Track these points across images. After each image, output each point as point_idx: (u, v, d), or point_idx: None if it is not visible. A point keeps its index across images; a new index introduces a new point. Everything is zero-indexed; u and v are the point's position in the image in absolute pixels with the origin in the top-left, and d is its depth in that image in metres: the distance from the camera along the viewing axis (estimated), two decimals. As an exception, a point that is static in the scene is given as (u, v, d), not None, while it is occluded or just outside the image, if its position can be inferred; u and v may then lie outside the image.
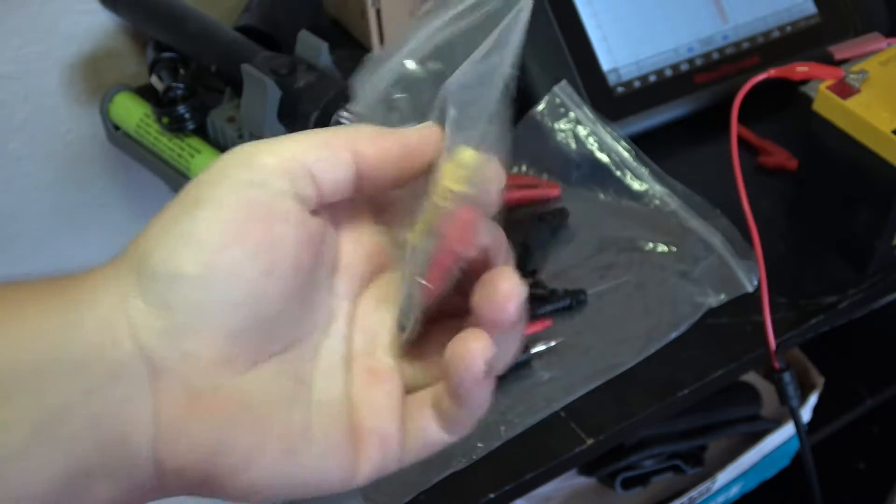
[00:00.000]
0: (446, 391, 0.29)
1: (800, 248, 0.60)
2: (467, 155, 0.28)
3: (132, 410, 0.26)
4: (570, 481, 0.77)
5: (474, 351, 0.27)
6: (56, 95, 0.74)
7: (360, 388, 0.30)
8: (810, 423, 0.81)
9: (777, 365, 0.55)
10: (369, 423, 0.29)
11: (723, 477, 0.77)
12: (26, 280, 0.29)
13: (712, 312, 0.56)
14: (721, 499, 0.81)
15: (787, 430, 0.78)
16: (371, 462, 0.29)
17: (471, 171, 0.28)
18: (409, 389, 0.31)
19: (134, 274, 0.26)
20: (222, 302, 0.26)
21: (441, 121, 0.29)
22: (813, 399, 0.78)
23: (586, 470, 0.77)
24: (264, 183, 0.27)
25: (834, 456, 0.84)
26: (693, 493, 0.76)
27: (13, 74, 0.71)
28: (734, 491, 0.81)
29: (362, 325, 0.31)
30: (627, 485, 0.76)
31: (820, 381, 0.79)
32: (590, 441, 0.50)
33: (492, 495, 0.48)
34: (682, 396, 0.53)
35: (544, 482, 0.50)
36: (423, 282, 0.29)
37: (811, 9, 0.71)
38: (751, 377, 0.80)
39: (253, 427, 0.27)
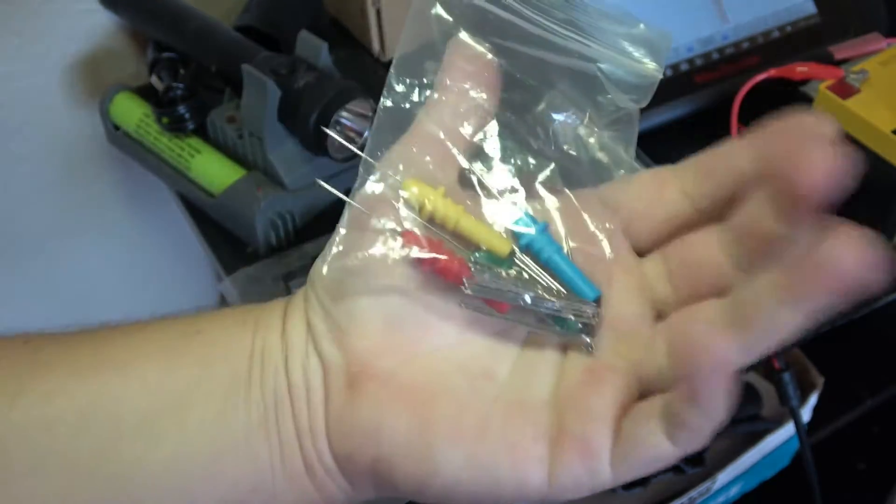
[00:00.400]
0: (677, 389, 0.25)
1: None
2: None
3: (316, 402, 0.29)
4: (570, 481, 0.77)
5: (720, 339, 0.24)
6: (56, 95, 0.74)
7: (572, 388, 0.28)
8: (810, 423, 0.81)
9: (777, 365, 0.55)
10: (572, 426, 0.27)
11: (723, 477, 0.77)
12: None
13: (712, 312, 0.56)
14: (721, 499, 0.81)
15: (787, 430, 0.78)
16: (570, 470, 0.26)
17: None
18: (652, 390, 0.27)
19: (320, 307, 0.30)
20: (376, 290, 0.29)
21: None
22: (813, 399, 0.78)
23: (586, 470, 0.77)
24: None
25: (834, 456, 0.84)
26: (693, 493, 0.76)
27: (13, 74, 0.71)
28: (734, 491, 0.81)
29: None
30: (627, 485, 0.76)
31: (820, 381, 0.78)
32: (590, 441, 0.50)
33: (492, 495, 0.48)
34: (682, 396, 0.53)
35: (544, 482, 0.50)
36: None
37: (811, 9, 0.71)
38: (751, 377, 0.80)
39: (414, 410, 0.28)
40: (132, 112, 0.66)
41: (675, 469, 0.77)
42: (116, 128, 0.68)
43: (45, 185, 0.78)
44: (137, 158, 0.67)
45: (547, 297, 0.29)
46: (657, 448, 0.25)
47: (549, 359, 0.29)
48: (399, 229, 0.29)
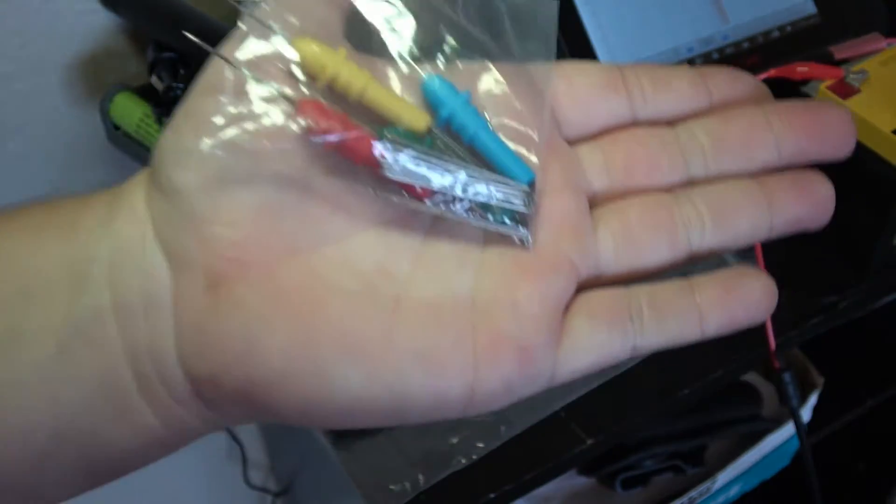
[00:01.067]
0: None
1: (800, 248, 0.60)
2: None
3: (158, 313, 0.23)
4: (570, 481, 0.77)
5: None
6: (56, 95, 0.74)
7: (501, 285, 0.24)
8: (810, 423, 0.81)
9: (777, 365, 0.55)
10: (507, 328, 0.24)
11: (723, 477, 0.77)
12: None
13: (712, 312, 0.56)
14: (721, 499, 0.81)
15: (787, 430, 0.78)
16: (502, 377, 0.24)
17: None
18: (605, 280, 0.27)
19: (150, 185, 0.24)
20: (267, 174, 0.23)
21: None
22: (813, 399, 0.78)
23: (586, 470, 0.77)
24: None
25: (834, 456, 0.84)
26: (693, 493, 0.76)
27: (13, 74, 0.71)
28: (734, 491, 0.81)
29: None
30: (627, 485, 0.76)
31: (820, 381, 0.79)
32: (590, 441, 0.50)
33: (492, 495, 0.48)
34: (682, 396, 0.53)
35: (544, 482, 0.50)
36: None
37: (811, 9, 0.71)
38: (751, 377, 0.80)
39: (296, 320, 0.23)
40: (132, 112, 0.66)
41: (675, 469, 0.77)
42: (116, 128, 0.68)
43: (45, 184, 0.78)
44: (137, 158, 0.67)
45: (477, 179, 0.24)
46: (608, 345, 0.26)
47: (463, 252, 0.25)
48: (294, 98, 0.23)
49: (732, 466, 0.76)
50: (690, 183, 0.28)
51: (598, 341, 0.26)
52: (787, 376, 0.55)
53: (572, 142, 0.28)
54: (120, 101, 0.67)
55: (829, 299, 0.57)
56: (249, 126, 0.23)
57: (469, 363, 0.23)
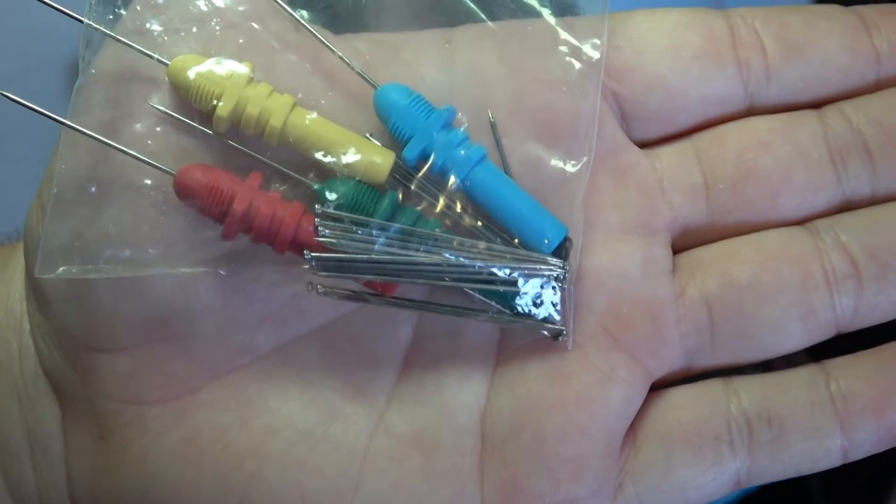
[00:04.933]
0: None
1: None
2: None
3: (46, 459, 0.17)
4: (570, 481, 0.77)
5: None
6: (56, 95, 0.74)
7: (520, 410, 0.17)
8: (810, 423, 0.80)
9: (777, 365, 0.55)
10: (525, 474, 0.18)
11: (723, 477, 0.77)
12: None
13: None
14: (721, 499, 0.80)
15: (787, 430, 0.77)
16: None
17: None
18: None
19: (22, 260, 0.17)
20: (142, 286, 0.16)
21: None
22: (813, 399, 0.78)
23: (586, 470, 0.77)
24: None
25: (834, 456, 0.83)
26: (693, 493, 0.76)
27: (13, 74, 0.70)
28: (734, 491, 0.81)
29: None
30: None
31: (820, 381, 0.78)
32: (590, 441, 0.50)
33: (492, 495, 0.48)
34: (682, 396, 0.53)
35: (544, 482, 0.50)
36: None
37: (811, 9, 0.70)
38: (751, 377, 0.79)
39: (209, 482, 0.16)
40: (132, 112, 0.65)
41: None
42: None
43: (45, 185, 0.78)
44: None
45: (472, 253, 0.14)
46: (695, 483, 0.17)
47: (466, 367, 0.17)
48: (170, 169, 0.15)
49: (732, 466, 0.76)
50: (845, 208, 0.17)
51: (681, 478, 0.17)
52: (787, 376, 0.55)
53: (650, 144, 0.17)
54: (120, 102, 0.66)
55: (829, 299, 0.57)
56: (119, 213, 0.17)
57: None
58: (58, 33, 0.71)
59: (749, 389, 0.17)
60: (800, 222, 0.17)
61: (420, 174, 0.15)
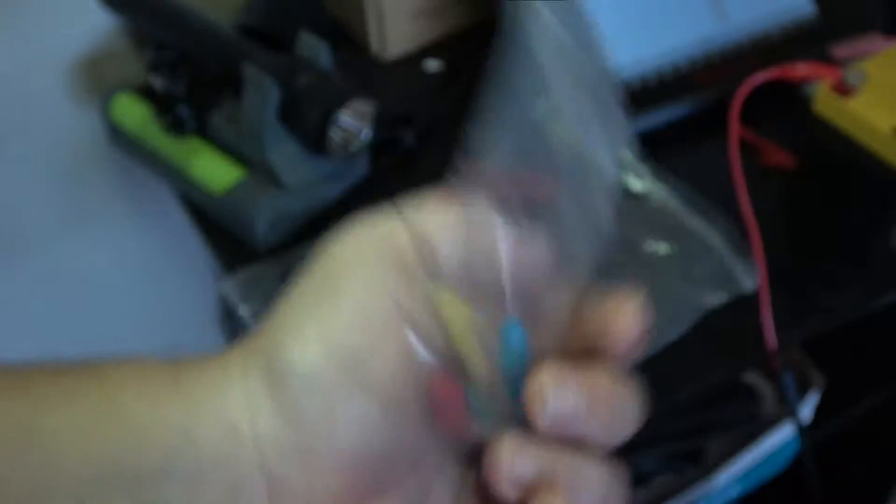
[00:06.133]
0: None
1: (800, 248, 0.60)
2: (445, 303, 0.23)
3: None
4: (570, 481, 0.77)
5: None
6: (56, 95, 0.74)
7: None
8: (810, 423, 0.81)
9: (777, 365, 0.55)
10: None
11: (723, 477, 0.77)
12: (119, 359, 0.24)
13: (712, 312, 0.56)
14: (721, 499, 0.81)
15: (787, 431, 0.78)
16: None
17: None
18: None
19: (263, 372, 0.23)
20: (360, 419, 0.22)
21: None
22: (813, 399, 0.78)
23: (586, 470, 0.77)
24: (408, 280, 0.23)
25: (834, 456, 0.84)
26: (693, 493, 0.76)
27: (13, 74, 0.71)
28: (734, 491, 0.81)
29: None
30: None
31: (820, 381, 0.78)
32: (590, 441, 0.50)
33: (492, 495, 0.48)
34: (682, 396, 0.53)
35: (544, 482, 0.50)
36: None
37: (811, 9, 0.71)
38: (751, 377, 0.80)
39: None
40: (132, 112, 0.66)
41: (675, 469, 0.77)
42: (116, 128, 0.68)
43: (45, 185, 0.78)
44: (137, 159, 0.67)
45: None
46: None
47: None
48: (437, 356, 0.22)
49: (732, 466, 0.76)
50: None
51: None
52: (787, 376, 0.55)
53: None
54: (120, 102, 0.67)
55: (829, 299, 0.57)
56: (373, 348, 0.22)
57: None
58: (58, 33, 0.71)
59: None
60: None
61: None
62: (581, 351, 0.25)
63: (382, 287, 0.23)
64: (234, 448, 0.22)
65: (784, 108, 0.57)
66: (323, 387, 0.22)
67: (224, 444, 0.22)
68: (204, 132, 0.63)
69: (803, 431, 0.58)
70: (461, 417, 0.22)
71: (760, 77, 0.57)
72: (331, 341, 0.22)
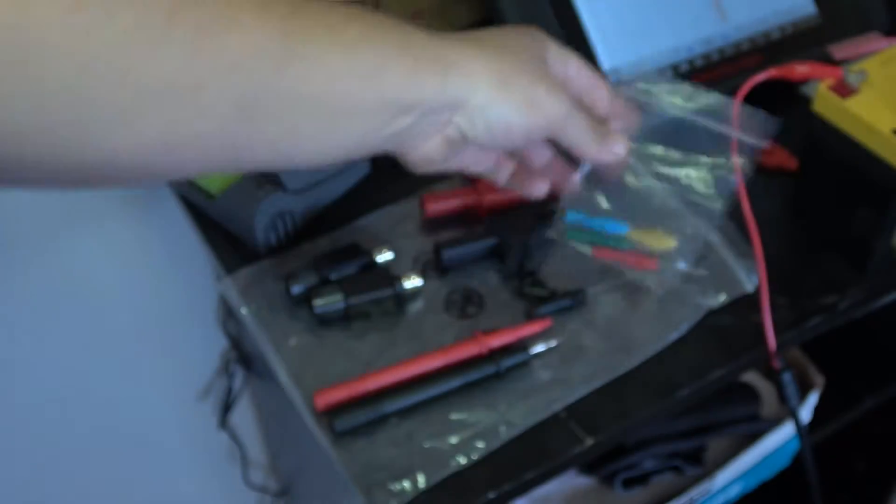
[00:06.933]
0: None
1: (800, 248, 0.60)
2: None
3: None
4: (570, 481, 0.77)
5: None
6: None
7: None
8: (810, 423, 0.81)
9: (777, 365, 0.55)
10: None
11: (723, 477, 0.77)
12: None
13: (712, 312, 0.56)
14: (721, 499, 0.81)
15: (787, 430, 0.78)
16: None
17: None
18: None
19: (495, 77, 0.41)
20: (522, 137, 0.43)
21: None
22: (813, 399, 0.78)
23: (586, 470, 0.77)
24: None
25: (834, 456, 0.84)
26: (693, 493, 0.76)
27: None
28: (734, 491, 0.81)
29: None
30: (627, 485, 0.76)
31: (820, 381, 0.78)
32: (590, 441, 0.50)
33: (492, 495, 0.48)
34: (682, 396, 0.53)
35: (544, 482, 0.50)
36: None
37: (811, 9, 0.71)
38: (751, 377, 0.80)
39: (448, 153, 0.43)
40: (132, 112, 0.65)
41: (675, 469, 0.77)
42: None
43: (45, 185, 0.78)
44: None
45: None
46: None
47: None
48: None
49: (732, 466, 0.76)
50: None
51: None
52: (787, 376, 0.55)
53: None
54: (120, 102, 0.67)
55: (829, 299, 0.57)
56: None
57: None
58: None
59: None
60: None
61: None
62: None
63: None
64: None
65: (784, 108, 0.57)
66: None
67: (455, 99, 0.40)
68: (204, 132, 0.63)
69: (803, 431, 0.58)
70: None
71: (760, 77, 0.57)
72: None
